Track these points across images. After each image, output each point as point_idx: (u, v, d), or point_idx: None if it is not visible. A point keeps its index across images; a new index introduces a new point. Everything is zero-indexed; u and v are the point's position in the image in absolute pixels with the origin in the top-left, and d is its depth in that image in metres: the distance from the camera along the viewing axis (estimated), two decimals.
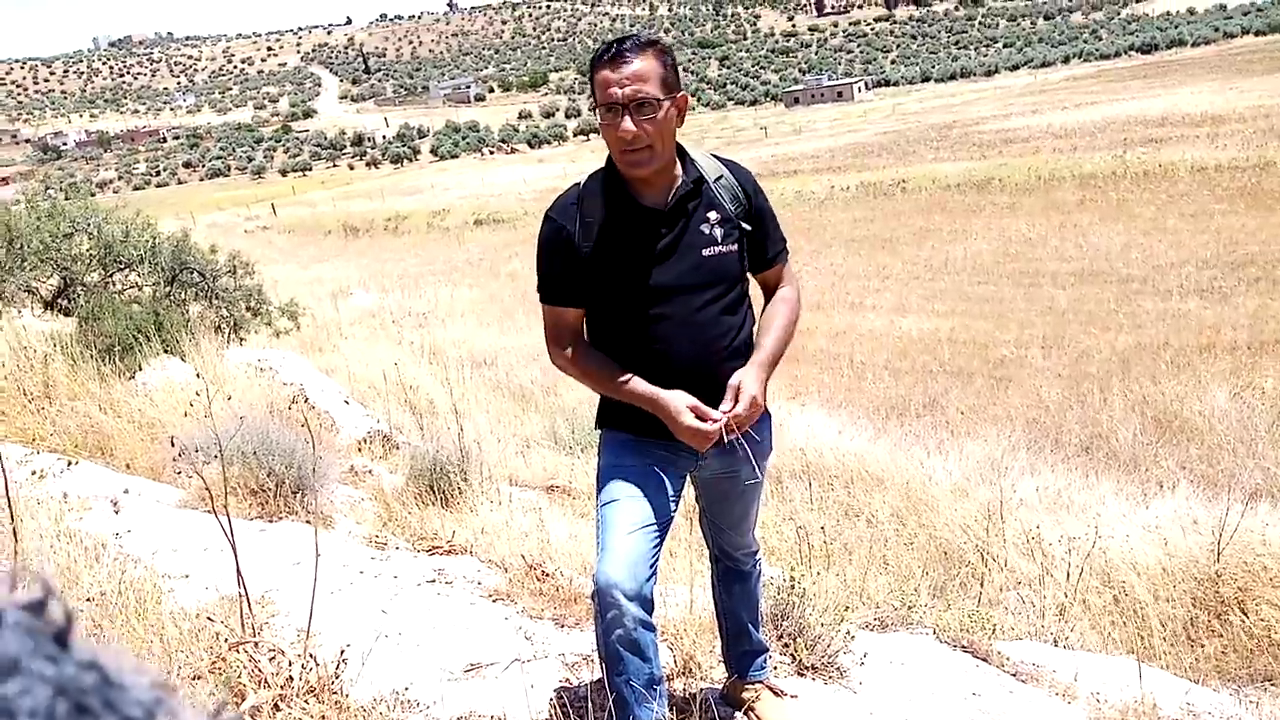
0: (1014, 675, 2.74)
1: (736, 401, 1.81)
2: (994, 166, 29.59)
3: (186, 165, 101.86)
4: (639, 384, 1.84)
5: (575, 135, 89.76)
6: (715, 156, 1.99)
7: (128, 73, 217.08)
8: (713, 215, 1.89)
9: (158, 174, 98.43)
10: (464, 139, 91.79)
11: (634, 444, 1.89)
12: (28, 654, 0.26)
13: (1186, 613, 3.38)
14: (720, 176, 1.93)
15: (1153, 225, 17.93)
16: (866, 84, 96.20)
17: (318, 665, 2.02)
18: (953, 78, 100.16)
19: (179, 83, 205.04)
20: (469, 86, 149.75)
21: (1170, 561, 3.59)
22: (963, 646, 2.83)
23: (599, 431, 2.01)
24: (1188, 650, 3.25)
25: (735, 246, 1.90)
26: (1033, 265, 16.30)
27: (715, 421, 1.80)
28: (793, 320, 1.99)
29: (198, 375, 3.87)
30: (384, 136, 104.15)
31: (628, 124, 1.77)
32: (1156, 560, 3.63)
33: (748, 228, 1.93)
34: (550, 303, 1.92)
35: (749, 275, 2.00)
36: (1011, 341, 11.48)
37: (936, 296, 14.87)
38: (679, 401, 1.81)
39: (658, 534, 1.85)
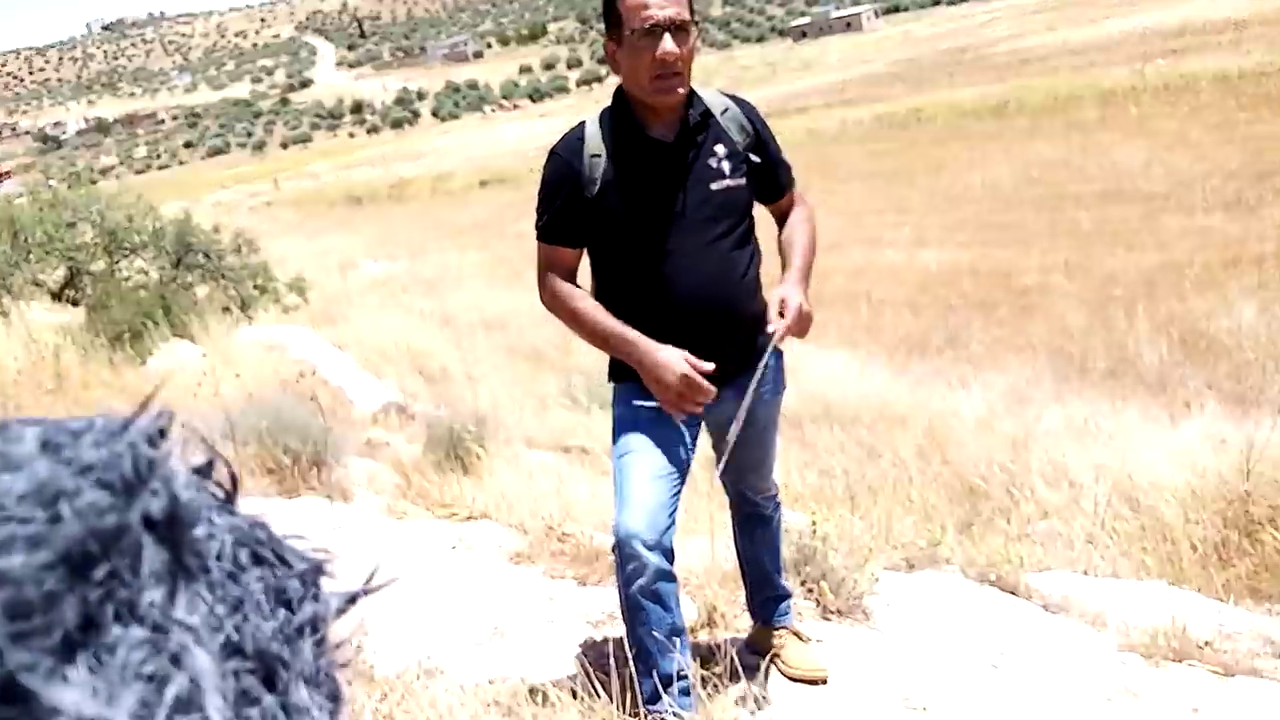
0: (1043, 606, 2.71)
1: (783, 315, 1.78)
2: (1011, 89, 28.78)
3: (187, 145, 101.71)
4: (630, 333, 1.80)
5: (578, 85, 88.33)
6: (721, 92, 1.98)
7: (122, 55, 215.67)
8: (720, 149, 1.87)
9: (158, 156, 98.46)
10: (464, 98, 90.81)
11: (647, 394, 1.85)
12: (205, 507, 0.28)
13: (1217, 534, 3.32)
14: (726, 109, 1.92)
15: (1176, 139, 17.39)
16: (876, 11, 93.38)
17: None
18: None
19: (174, 62, 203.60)
20: (466, 44, 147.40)
21: (1199, 483, 3.52)
22: (990, 581, 2.80)
23: (611, 385, 1.97)
24: (1219, 572, 3.20)
25: (743, 180, 1.89)
26: (1054, 189, 15.89)
27: (705, 392, 1.75)
28: (814, 235, 2.01)
29: (204, 356, 3.87)
30: (383, 102, 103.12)
31: (669, 44, 1.74)
32: (1185, 482, 3.57)
33: (756, 160, 1.91)
34: (549, 241, 1.88)
35: (762, 206, 1.99)
36: (1034, 268, 11.24)
37: (956, 227, 14.56)
38: (669, 373, 1.75)
39: (675, 483, 1.84)
